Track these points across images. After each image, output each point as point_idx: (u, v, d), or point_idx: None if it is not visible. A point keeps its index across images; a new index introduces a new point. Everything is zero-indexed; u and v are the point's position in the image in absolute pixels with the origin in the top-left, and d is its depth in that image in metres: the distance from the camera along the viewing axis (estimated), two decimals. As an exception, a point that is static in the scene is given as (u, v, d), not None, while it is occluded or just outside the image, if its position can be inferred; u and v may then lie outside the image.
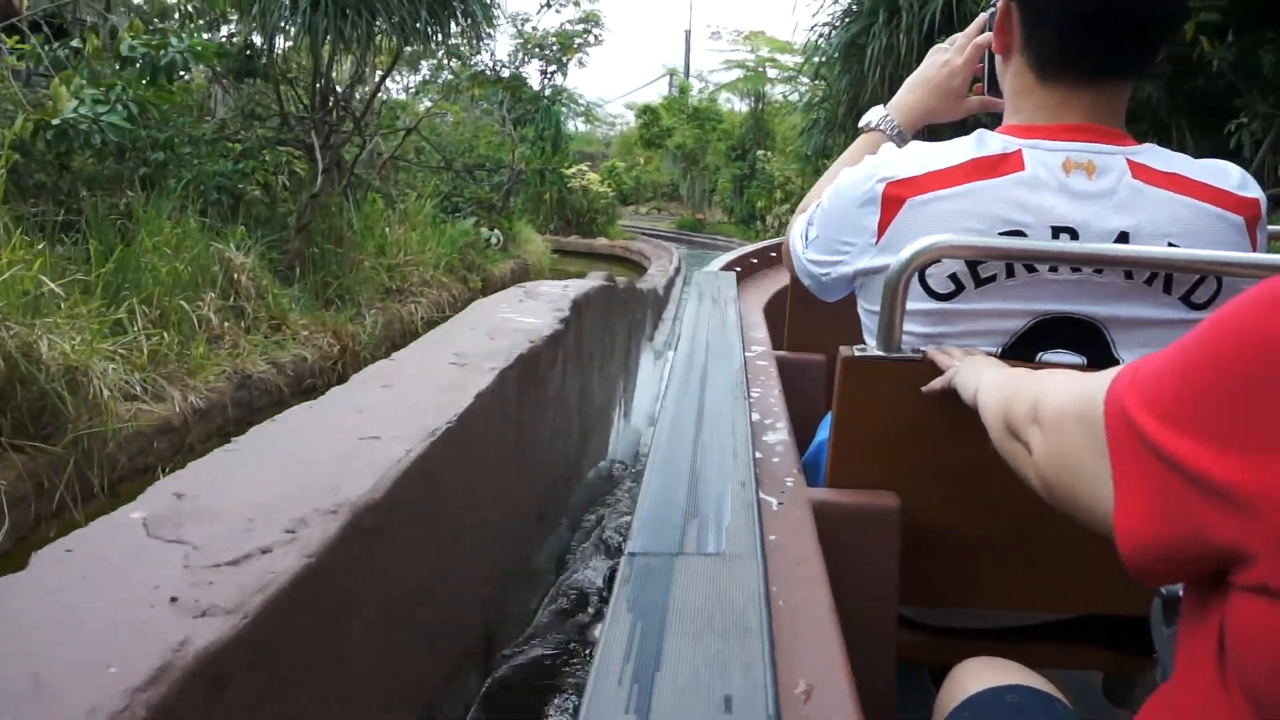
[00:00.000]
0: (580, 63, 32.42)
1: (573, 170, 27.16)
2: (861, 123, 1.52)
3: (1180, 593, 0.67)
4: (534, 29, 29.86)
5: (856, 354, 1.16)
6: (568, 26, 28.97)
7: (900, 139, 1.46)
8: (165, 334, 5.69)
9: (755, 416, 1.37)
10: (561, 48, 31.25)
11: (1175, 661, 0.63)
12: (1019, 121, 1.19)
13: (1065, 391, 0.74)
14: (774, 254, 2.99)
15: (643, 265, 21.37)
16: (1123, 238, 1.10)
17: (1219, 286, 1.12)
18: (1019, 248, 1.08)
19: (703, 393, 1.33)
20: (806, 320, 2.12)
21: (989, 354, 1.13)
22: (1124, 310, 1.13)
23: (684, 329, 1.82)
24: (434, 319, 11.41)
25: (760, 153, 28.96)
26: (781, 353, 1.99)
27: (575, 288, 2.68)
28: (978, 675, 0.97)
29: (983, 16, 1.34)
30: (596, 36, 31.59)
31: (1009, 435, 0.88)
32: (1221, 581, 0.54)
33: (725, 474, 1.03)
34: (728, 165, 30.93)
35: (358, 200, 10.62)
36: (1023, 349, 1.15)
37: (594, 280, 3.04)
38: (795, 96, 26.16)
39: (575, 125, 35.68)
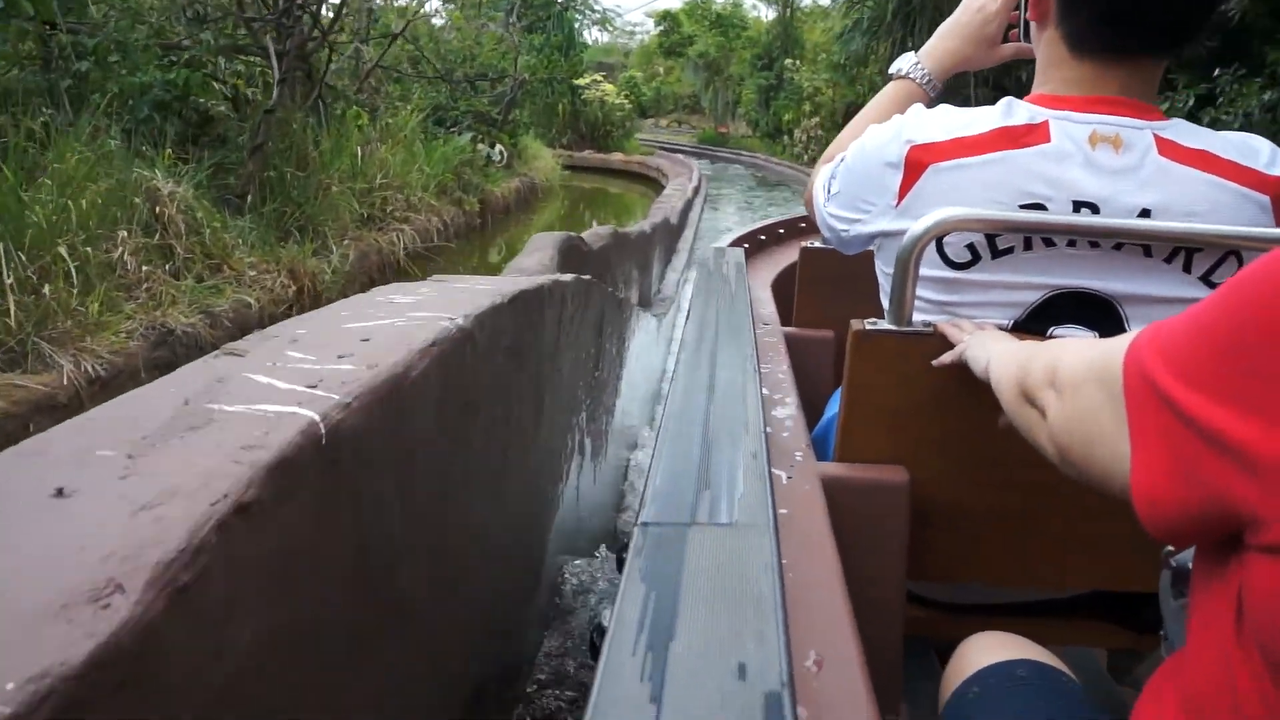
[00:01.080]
0: (595, -36, 30.79)
1: (587, 81, 25.75)
2: (891, 69, 1.48)
3: (1189, 565, 0.66)
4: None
5: (868, 327, 1.16)
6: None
7: (931, 88, 1.44)
8: (49, 286, 4.68)
9: (764, 391, 1.37)
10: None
11: (1188, 630, 0.63)
12: (1048, 91, 1.18)
13: (1084, 354, 0.75)
14: (781, 230, 2.88)
15: (660, 182, 20.29)
16: (1145, 214, 1.10)
17: (1240, 266, 1.09)
18: (1032, 220, 1.09)
19: (713, 366, 1.34)
20: (815, 298, 2.10)
21: (1000, 327, 1.14)
22: (1141, 288, 1.12)
23: (693, 305, 1.79)
24: (419, 250, 10.38)
25: (788, 61, 27.26)
26: (790, 329, 1.95)
27: (443, 321, 1.22)
28: (986, 650, 0.98)
29: None
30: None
31: (1023, 402, 0.88)
32: (1237, 544, 0.54)
33: (737, 445, 1.03)
34: (753, 75, 29.21)
35: (329, 116, 9.49)
36: (1035, 323, 1.15)
37: (526, 279, 1.67)
38: (828, 0, 24.54)
39: (591, 34, 34.09)
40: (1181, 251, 1.11)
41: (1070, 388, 0.75)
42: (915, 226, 1.10)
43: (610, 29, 31.90)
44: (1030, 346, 0.91)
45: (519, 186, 17.59)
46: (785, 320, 2.05)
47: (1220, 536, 0.56)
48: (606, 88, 25.92)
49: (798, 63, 26.67)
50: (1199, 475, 0.55)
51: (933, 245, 1.14)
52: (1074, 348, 0.79)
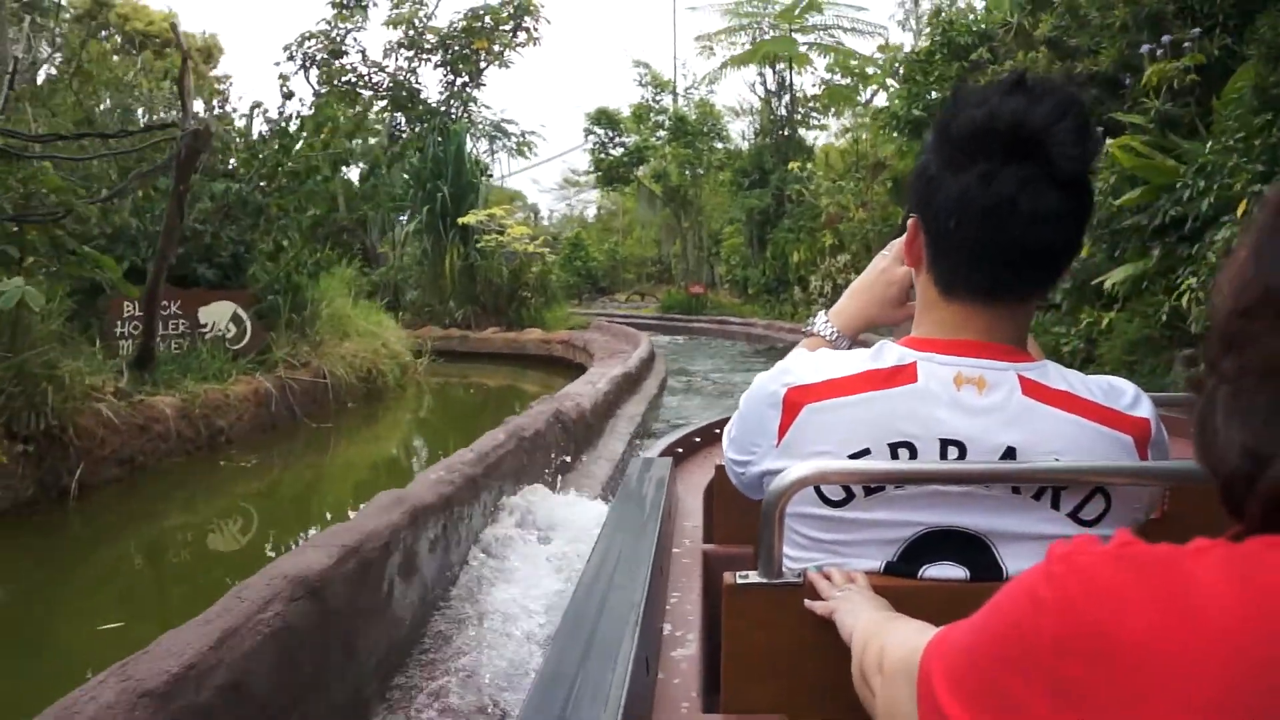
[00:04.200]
0: (503, 62, 22.81)
1: (480, 217, 17.36)
2: (804, 326, 1.58)
3: None
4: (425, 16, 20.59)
5: (739, 581, 1.22)
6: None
7: (841, 343, 1.51)
8: None
9: (668, 628, 1.50)
10: (469, 35, 21.62)
11: None
12: (920, 334, 1.26)
13: (902, 647, 0.87)
14: (717, 430, 2.85)
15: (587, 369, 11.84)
16: (1010, 453, 1.17)
17: (1107, 504, 1.18)
18: (883, 470, 1.18)
19: (598, 620, 1.38)
20: (733, 510, 2.06)
21: (872, 570, 1.21)
22: (1011, 525, 1.19)
23: (603, 532, 1.83)
24: None
25: (793, 167, 18.92)
26: (709, 546, 1.98)
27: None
28: None
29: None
30: (530, 31, 22.14)
31: (863, 680, 1.00)
32: None
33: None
34: (736, 197, 20.88)
35: None
36: (909, 562, 1.21)
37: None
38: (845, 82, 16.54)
39: (503, 165, 25.98)
40: (1049, 489, 1.18)
41: (889, 677, 0.88)
42: (776, 482, 1.17)
43: (527, 152, 23.49)
44: (875, 625, 1.03)
45: (262, 395, 8.77)
46: (712, 531, 2.10)
47: None
48: (515, 229, 17.48)
49: (809, 167, 18.36)
50: None
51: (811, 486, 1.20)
52: (900, 637, 0.92)
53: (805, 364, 1.26)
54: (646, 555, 1.64)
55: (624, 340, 13.30)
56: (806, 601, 1.17)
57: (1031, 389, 1.17)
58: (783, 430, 1.23)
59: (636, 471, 2.31)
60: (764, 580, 1.20)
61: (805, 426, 1.21)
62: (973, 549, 1.18)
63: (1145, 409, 1.21)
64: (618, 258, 35.74)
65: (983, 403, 1.16)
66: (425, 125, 19.63)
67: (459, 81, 20.90)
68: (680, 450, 2.64)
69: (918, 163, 1.24)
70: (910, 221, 1.25)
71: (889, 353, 1.21)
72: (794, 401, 1.22)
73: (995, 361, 1.18)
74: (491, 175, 21.32)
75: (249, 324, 9.14)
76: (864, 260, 12.88)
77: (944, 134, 1.17)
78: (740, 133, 23.62)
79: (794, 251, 18.29)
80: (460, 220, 17.28)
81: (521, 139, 23.14)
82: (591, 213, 45.59)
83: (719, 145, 22.30)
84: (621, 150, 22.63)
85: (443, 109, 20.32)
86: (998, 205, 1.11)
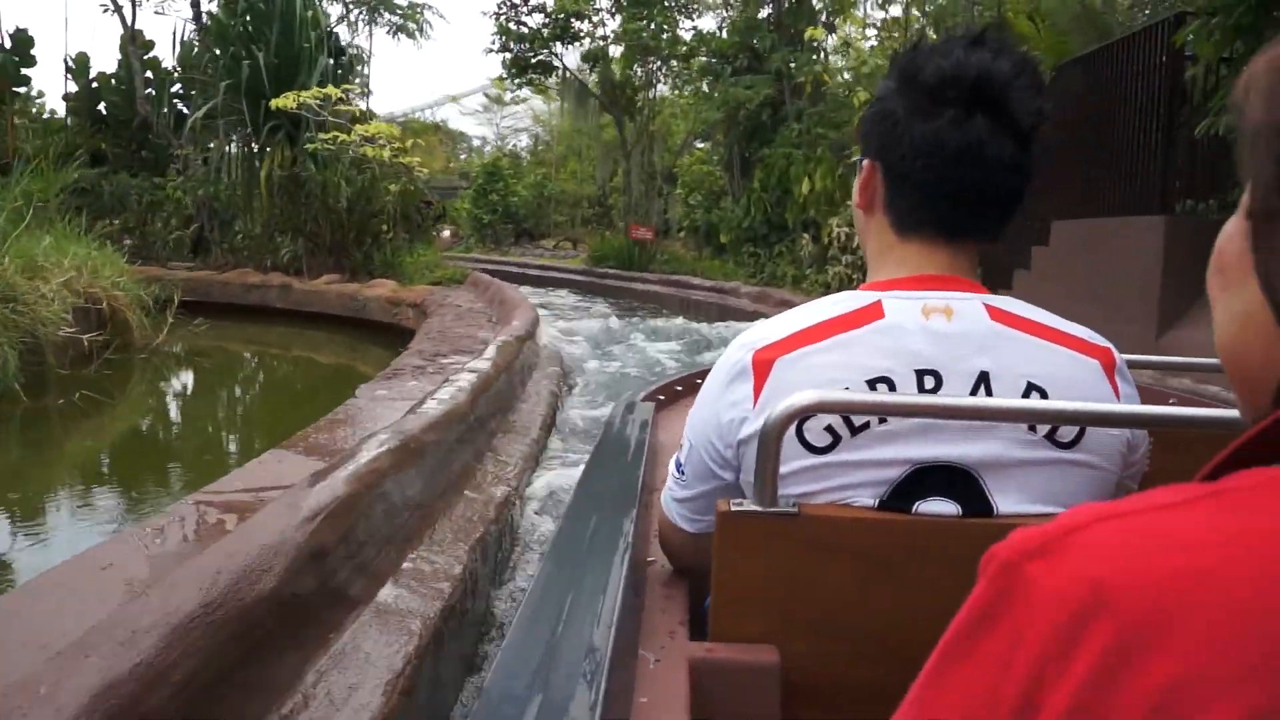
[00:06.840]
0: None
1: (303, 97, 11.39)
2: None
3: None
4: None
5: (733, 509, 1.22)
6: None
7: None
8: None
9: (651, 559, 1.52)
10: None
11: None
12: (880, 277, 1.30)
13: None
14: (699, 381, 2.50)
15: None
16: (984, 377, 1.21)
17: (1081, 426, 1.23)
18: (892, 402, 1.17)
19: (588, 547, 1.40)
20: None
21: (867, 506, 1.23)
22: (994, 452, 1.21)
23: (587, 471, 1.87)
24: None
25: (813, 34, 12.94)
26: None
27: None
28: None
29: None
30: None
31: None
32: None
33: (583, 644, 1.08)
34: (714, 91, 14.92)
35: None
36: (901, 499, 1.23)
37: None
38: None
39: (366, 40, 19.56)
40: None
41: None
42: (777, 408, 1.15)
43: (416, 24, 17.34)
44: None
45: None
46: None
47: None
48: (374, 127, 11.60)
49: (835, 37, 12.40)
50: None
51: (794, 436, 1.20)
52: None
53: (767, 326, 1.30)
54: (633, 489, 1.70)
55: (491, 317, 7.45)
56: None
57: (998, 315, 1.22)
58: (757, 392, 1.24)
59: (620, 414, 2.36)
60: (758, 508, 1.20)
61: (780, 382, 1.22)
62: (961, 483, 1.21)
63: (1105, 341, 1.27)
64: (545, 193, 29.65)
65: (952, 329, 1.21)
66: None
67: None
68: (662, 397, 2.67)
69: (872, 108, 1.30)
70: (865, 164, 1.31)
71: (852, 297, 1.26)
72: (763, 361, 1.24)
73: (959, 292, 1.23)
74: (358, 55, 15.22)
75: None
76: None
77: (910, 81, 1.22)
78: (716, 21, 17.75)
79: (803, 178, 12.51)
80: (275, 104, 11.23)
81: (409, 11, 17.02)
82: (525, 144, 39.51)
83: (687, 24, 16.43)
84: (541, 19, 16.51)
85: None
86: (968, 148, 1.18)
